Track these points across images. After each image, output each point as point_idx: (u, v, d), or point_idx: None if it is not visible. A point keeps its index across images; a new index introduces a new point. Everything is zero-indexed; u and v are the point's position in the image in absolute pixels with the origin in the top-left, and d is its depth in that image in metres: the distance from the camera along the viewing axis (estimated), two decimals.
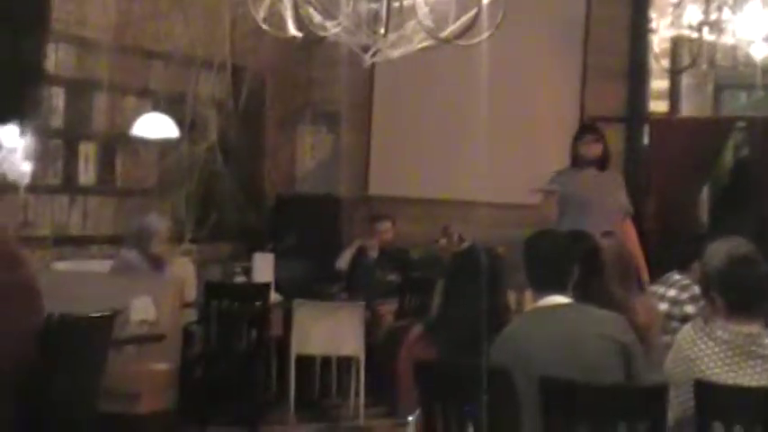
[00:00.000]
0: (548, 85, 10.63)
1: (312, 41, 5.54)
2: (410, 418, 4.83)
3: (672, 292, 6.34)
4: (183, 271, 8.64)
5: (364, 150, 11.34)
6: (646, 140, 10.46)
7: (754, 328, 4.13)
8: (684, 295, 6.28)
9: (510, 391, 4.12)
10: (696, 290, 5.93)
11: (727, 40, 8.80)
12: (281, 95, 11.20)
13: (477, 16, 4.69)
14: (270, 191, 11.15)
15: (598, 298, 4.61)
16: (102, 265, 8.31)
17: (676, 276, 6.44)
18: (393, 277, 9.70)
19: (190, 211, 9.74)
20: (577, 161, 8.52)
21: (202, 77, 9.89)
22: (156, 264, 8.08)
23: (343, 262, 9.92)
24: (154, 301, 7.63)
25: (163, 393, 7.70)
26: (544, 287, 4.48)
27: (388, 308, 9.20)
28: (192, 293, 8.52)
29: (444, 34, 4.91)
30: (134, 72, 9.19)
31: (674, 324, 5.92)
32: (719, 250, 4.92)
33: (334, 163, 11.45)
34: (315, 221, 10.62)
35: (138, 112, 9.05)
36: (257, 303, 8.29)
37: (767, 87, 11.71)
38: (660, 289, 6.43)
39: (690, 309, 6.13)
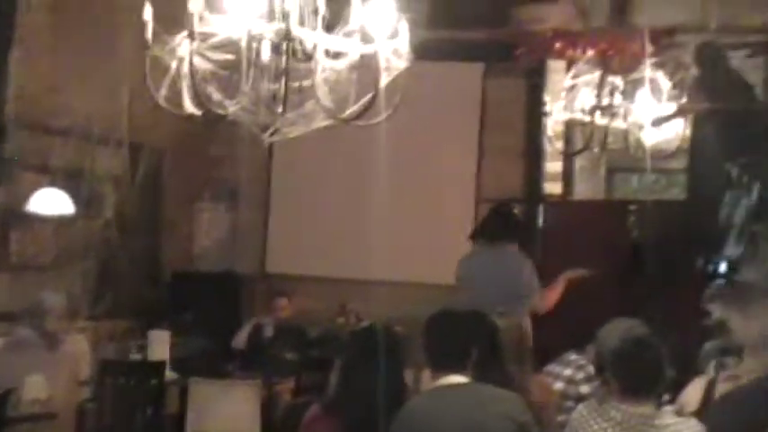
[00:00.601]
0: (445, 165, 10.76)
1: (212, 120, 5.55)
2: None
3: (568, 372, 6.40)
4: (78, 348, 8.49)
5: (262, 228, 11.35)
6: (541, 222, 10.59)
7: (647, 409, 4.20)
8: (580, 375, 6.34)
9: None
10: (591, 370, 6.00)
11: (618, 124, 9.01)
12: (180, 172, 11.18)
13: (375, 98, 4.75)
14: (167, 267, 11.08)
15: (496, 377, 4.65)
16: None
17: (572, 356, 6.51)
18: (290, 355, 9.67)
19: (85, 288, 9.64)
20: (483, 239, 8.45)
21: (99, 153, 9.83)
22: (51, 341, 7.96)
23: (239, 340, 9.88)
24: (47, 379, 7.50)
25: None
26: (444, 366, 4.51)
27: (285, 386, 9.15)
28: (86, 371, 8.39)
29: (344, 115, 4.96)
30: (32, 147, 9.12)
31: (569, 403, 5.97)
32: (613, 332, 5.02)
33: (231, 240, 11.43)
34: (212, 299, 10.56)
35: (34, 188, 8.96)
36: (152, 381, 8.21)
37: (658, 171, 11.99)
38: (556, 368, 6.50)
39: (585, 389, 6.20)
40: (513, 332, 5.48)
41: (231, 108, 5.05)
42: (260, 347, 9.77)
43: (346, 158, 10.81)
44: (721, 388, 5.55)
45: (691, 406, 4.75)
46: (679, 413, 4.63)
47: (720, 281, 1.59)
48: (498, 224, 8.22)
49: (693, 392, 5.07)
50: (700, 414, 4.49)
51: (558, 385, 6.30)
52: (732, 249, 1.65)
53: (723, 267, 1.66)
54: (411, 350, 6.44)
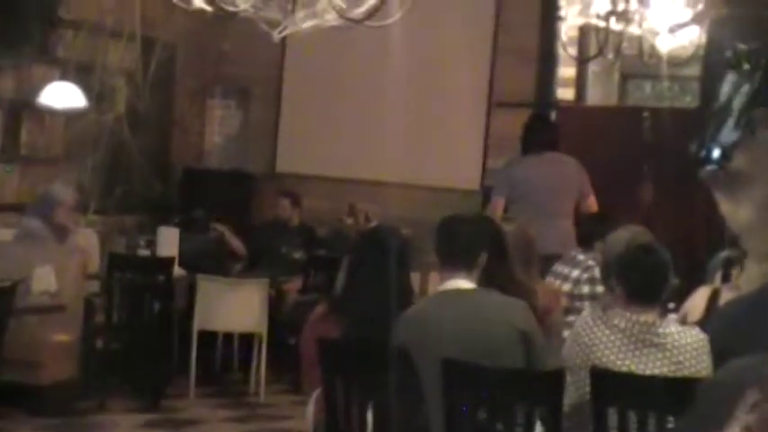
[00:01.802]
0: (458, 67, 10.68)
1: (223, 16, 5.52)
2: (311, 398, 4.87)
3: (575, 273, 6.42)
4: (87, 242, 8.56)
5: (273, 127, 11.32)
6: None
7: (650, 316, 4.22)
8: (585, 276, 6.36)
9: (411, 371, 4.17)
10: (596, 272, 6.02)
11: (633, 30, 8.93)
12: (191, 68, 11.14)
13: None
14: (177, 164, 11.09)
15: (501, 282, 4.67)
16: (4, 234, 8.21)
17: (580, 257, 6.51)
18: (298, 254, 9.72)
19: (96, 182, 9.66)
20: (530, 148, 8.52)
21: (111, 47, 9.79)
22: (60, 234, 8.00)
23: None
24: (56, 271, 7.57)
25: (64, 364, 7.66)
26: (451, 268, 4.53)
27: (292, 285, 9.22)
28: (95, 265, 8.46)
29: (354, 14, 4.93)
30: (43, 40, 9.08)
31: (577, 304, 6.02)
32: (620, 239, 5.03)
33: (242, 138, 11.41)
34: (221, 196, 10.57)
35: (45, 81, 8.95)
36: (161, 277, 8.27)
37: (671, 78, 11.92)
38: (565, 269, 6.51)
39: (586, 289, 6.22)
40: (519, 237, 5.49)
41: (242, 5, 5.02)
42: (268, 246, 9.81)
43: (359, 59, 10.75)
44: (725, 297, 5.58)
45: (694, 315, 4.77)
46: (682, 321, 4.66)
47: (712, 166, 1.59)
48: (543, 133, 8.41)
49: (697, 301, 5.09)
50: (703, 323, 4.50)
51: (567, 286, 6.32)
52: (728, 135, 1.63)
53: (716, 153, 1.65)
54: (419, 253, 6.49)
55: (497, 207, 8.09)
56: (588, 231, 6.67)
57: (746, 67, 1.57)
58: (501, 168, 9.16)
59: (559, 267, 6.54)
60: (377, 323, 4.64)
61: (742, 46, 1.56)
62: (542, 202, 7.94)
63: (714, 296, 5.58)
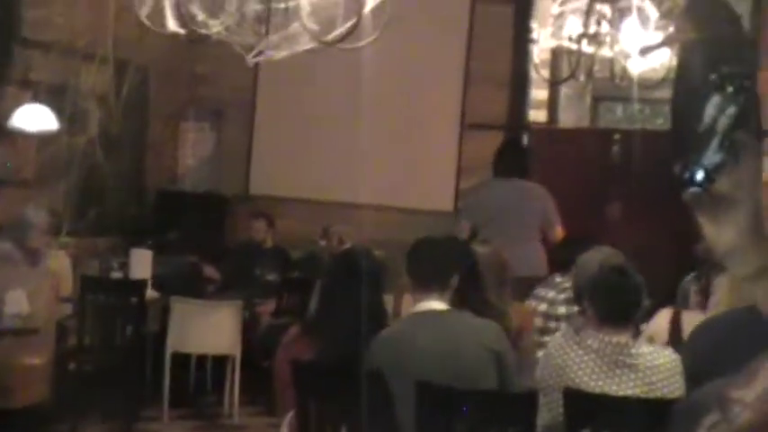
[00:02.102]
0: (431, 90, 10.73)
1: (196, 39, 5.53)
2: (285, 419, 4.86)
3: (551, 294, 6.45)
4: (60, 264, 8.51)
5: (247, 149, 11.32)
6: None
7: (623, 337, 4.25)
8: (561, 297, 6.39)
9: (385, 393, 4.18)
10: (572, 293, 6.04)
11: (605, 53, 8.99)
12: (165, 90, 11.13)
13: (359, 22, 4.74)
14: (151, 186, 11.07)
15: (474, 304, 4.69)
16: None
17: (557, 279, 6.55)
18: (272, 276, 9.71)
19: (68, 204, 9.63)
20: (499, 172, 8.55)
21: (84, 69, 9.77)
22: (32, 257, 7.96)
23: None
24: (28, 294, 7.53)
25: (36, 387, 7.60)
26: (424, 290, 4.55)
27: (266, 307, 9.21)
28: (67, 287, 8.41)
29: (328, 38, 4.95)
30: (15, 62, 9.06)
31: (552, 324, 6.05)
32: (591, 260, 5.06)
33: (216, 160, 11.41)
34: (195, 219, 10.56)
35: (17, 103, 8.92)
36: (133, 299, 8.24)
37: (643, 101, 12.00)
38: (542, 291, 6.55)
39: (562, 310, 6.25)
40: (493, 259, 5.52)
41: (215, 28, 5.03)
42: (241, 268, 9.79)
43: (333, 81, 10.76)
44: (687, 320, 5.63)
45: (660, 338, 4.80)
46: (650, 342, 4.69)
47: (696, 189, 1.60)
48: (514, 159, 8.44)
49: (661, 324, 5.12)
50: (669, 345, 4.54)
51: (542, 307, 6.34)
52: (711, 157, 1.65)
53: (700, 175, 1.66)
54: (392, 275, 6.50)
55: (464, 230, 8.10)
56: (567, 255, 6.70)
57: (730, 89, 1.59)
58: (469, 192, 9.22)
59: (539, 290, 6.58)
60: (350, 345, 4.65)
61: (725, 68, 1.58)
62: (508, 226, 7.95)
63: (676, 318, 5.64)
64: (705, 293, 5.68)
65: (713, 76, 1.58)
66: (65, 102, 9.44)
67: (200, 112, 11.36)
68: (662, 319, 5.39)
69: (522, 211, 8.14)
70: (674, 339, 5.07)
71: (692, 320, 5.64)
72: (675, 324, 5.60)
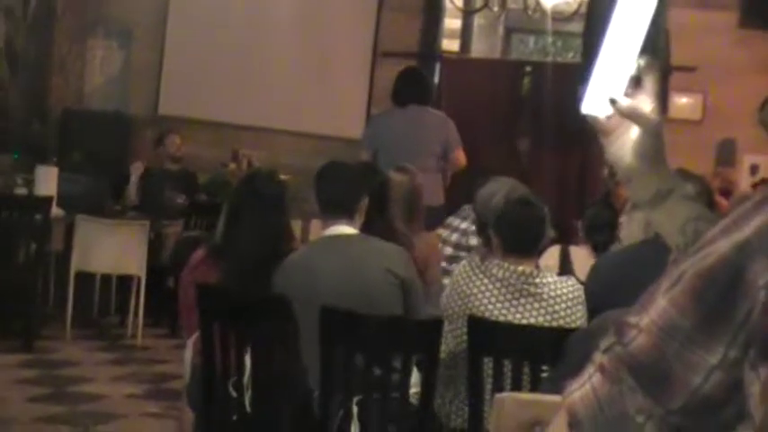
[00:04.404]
0: (344, 17, 10.67)
1: None
2: (189, 342, 4.86)
3: (464, 224, 6.48)
4: None
5: (156, 69, 11.17)
6: (436, 78, 10.60)
7: (528, 267, 4.30)
8: (473, 227, 6.42)
9: (290, 317, 4.19)
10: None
11: None
12: (73, 7, 10.91)
13: None
14: (57, 104, 10.88)
15: (382, 231, 4.71)
16: None
17: (470, 210, 6.56)
18: (180, 199, 9.63)
19: None
20: (398, 101, 8.46)
21: None
22: None
23: (132, 190, 9.71)
24: None
25: None
26: (332, 214, 4.55)
27: (173, 228, 9.14)
28: None
29: None
30: None
31: (463, 254, 6.08)
32: (492, 191, 5.11)
33: (124, 79, 11.25)
34: (102, 138, 10.43)
35: None
36: (38, 216, 8.13)
37: (555, 34, 12.05)
38: (455, 221, 6.57)
39: (474, 240, 6.28)
40: (405, 186, 5.53)
41: None
42: (149, 190, 9.70)
43: (245, 3, 10.68)
44: (575, 252, 5.74)
45: (551, 271, 4.86)
46: None
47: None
48: (413, 87, 8.35)
49: (549, 261, 5.20)
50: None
51: (454, 237, 6.37)
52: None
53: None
54: (302, 201, 6.49)
55: (364, 159, 8.06)
56: (474, 186, 6.72)
57: None
58: (369, 122, 9.21)
59: (450, 219, 6.61)
60: (254, 268, 4.65)
61: None
62: (404, 154, 7.87)
63: (565, 254, 5.74)
64: (608, 228, 5.76)
65: None
66: None
67: (108, 30, 11.17)
68: (549, 257, 5.48)
69: (420, 138, 8.07)
70: (564, 273, 5.15)
71: (578, 254, 5.76)
72: (564, 258, 5.70)
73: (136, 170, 9.68)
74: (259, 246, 4.74)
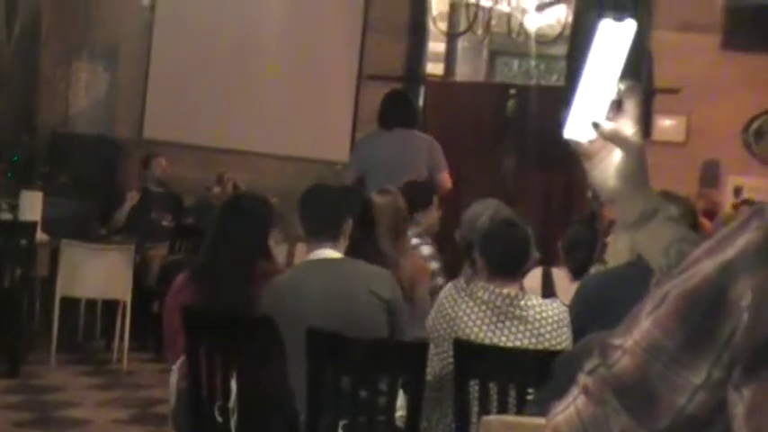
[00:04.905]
0: (329, 40, 10.71)
1: None
2: (174, 366, 4.84)
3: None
4: None
5: (141, 92, 11.18)
6: (421, 101, 10.62)
7: (512, 289, 4.30)
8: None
9: (276, 339, 4.18)
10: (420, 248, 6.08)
11: (502, 8, 9.06)
12: (58, 29, 10.91)
13: None
14: (42, 127, 10.87)
15: (368, 253, 4.71)
16: None
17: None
18: (165, 222, 9.62)
19: None
20: (384, 123, 8.44)
21: None
22: None
23: (122, 216, 9.68)
24: None
25: None
26: (317, 237, 4.55)
27: (158, 252, 9.14)
28: None
29: None
30: None
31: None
32: (478, 213, 5.12)
33: (109, 102, 11.25)
34: (88, 161, 10.41)
35: None
36: (23, 241, 8.11)
37: (539, 57, 12.11)
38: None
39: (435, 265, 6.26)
40: (389, 208, 5.53)
41: None
42: (135, 213, 9.68)
43: (231, 28, 10.69)
44: (556, 273, 5.74)
45: (534, 293, 4.86)
46: None
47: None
48: (398, 110, 8.33)
49: (532, 284, 5.21)
50: None
51: (435, 265, 6.36)
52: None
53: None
54: (287, 224, 6.49)
55: (350, 182, 8.06)
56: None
57: None
58: (355, 144, 9.22)
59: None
60: (236, 290, 4.65)
61: (615, 17, 1.61)
62: (390, 178, 7.84)
63: (547, 276, 5.74)
64: (587, 249, 5.77)
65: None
66: None
67: (94, 52, 11.18)
68: (532, 279, 5.49)
69: (406, 161, 8.05)
70: (547, 295, 5.16)
71: (560, 276, 5.77)
72: (546, 279, 5.71)
73: (131, 199, 9.66)
74: (241, 266, 4.74)
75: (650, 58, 9.36)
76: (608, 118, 1.63)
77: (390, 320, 4.39)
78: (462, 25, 9.91)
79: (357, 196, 5.21)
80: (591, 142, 1.65)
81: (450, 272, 5.75)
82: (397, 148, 8.07)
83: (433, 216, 6.55)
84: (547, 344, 4.20)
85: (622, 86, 1.63)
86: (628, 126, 1.64)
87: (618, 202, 1.70)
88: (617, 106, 1.64)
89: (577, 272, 5.61)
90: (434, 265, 6.07)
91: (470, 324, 4.25)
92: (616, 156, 1.66)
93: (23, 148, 10.39)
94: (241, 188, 9.45)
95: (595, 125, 1.63)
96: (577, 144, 1.66)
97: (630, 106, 1.65)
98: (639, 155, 1.68)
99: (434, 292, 5.61)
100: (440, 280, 5.93)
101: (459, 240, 5.17)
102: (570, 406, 1.40)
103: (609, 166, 1.67)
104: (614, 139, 1.64)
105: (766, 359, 1.27)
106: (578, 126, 1.63)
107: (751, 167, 9.78)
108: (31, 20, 10.28)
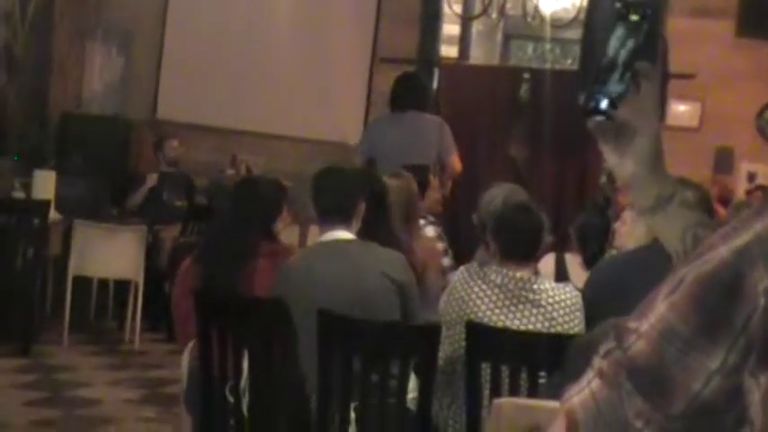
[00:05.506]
0: (343, 23, 10.69)
1: None
2: (187, 347, 4.85)
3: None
4: None
5: (155, 74, 11.18)
6: (435, 84, 10.60)
7: (525, 273, 4.30)
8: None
9: (288, 322, 4.18)
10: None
11: None
12: (72, 11, 10.91)
13: None
14: (55, 108, 10.88)
15: (381, 235, 4.70)
16: None
17: None
18: (178, 203, 9.63)
19: None
20: (395, 106, 8.39)
21: None
22: None
23: (138, 197, 9.68)
24: None
25: None
26: (329, 219, 4.55)
27: (170, 232, 9.14)
28: None
29: None
30: None
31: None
32: (494, 197, 5.11)
33: (123, 84, 11.25)
34: (101, 142, 10.42)
35: None
36: (35, 220, 8.12)
37: (553, 40, 12.08)
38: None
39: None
40: (402, 191, 5.53)
41: None
42: (147, 194, 9.69)
43: (244, 9, 10.69)
44: (569, 258, 5.73)
45: (547, 277, 4.86)
46: None
47: (600, 117, 1.61)
48: (409, 92, 8.27)
49: (544, 270, 5.20)
50: None
51: (440, 245, 6.36)
52: (614, 87, 1.67)
53: (604, 103, 1.68)
54: (300, 206, 6.49)
55: (359, 165, 8.03)
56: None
57: (635, 18, 1.61)
58: (366, 128, 9.19)
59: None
60: (230, 270, 4.66)
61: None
62: (402, 160, 7.80)
63: (560, 262, 5.73)
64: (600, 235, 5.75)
65: (618, 5, 1.60)
66: None
67: (107, 35, 11.17)
68: (547, 262, 5.48)
69: (417, 144, 8.01)
70: (560, 280, 5.15)
71: (573, 262, 5.76)
72: (560, 265, 5.70)
73: (150, 180, 9.65)
74: (240, 247, 4.76)
75: (665, 43, 9.33)
76: (626, 100, 1.62)
77: (402, 303, 4.39)
78: (477, 8, 9.91)
79: (370, 178, 5.20)
80: (609, 124, 1.65)
81: (463, 255, 5.74)
82: (406, 131, 8.03)
83: (432, 196, 6.54)
84: (559, 328, 4.20)
85: (641, 68, 1.62)
86: (645, 109, 1.64)
87: (634, 187, 1.70)
88: (635, 88, 1.63)
89: (591, 262, 5.59)
90: (440, 245, 6.07)
91: (483, 307, 4.25)
92: (634, 138, 1.65)
93: (37, 128, 10.39)
94: (254, 170, 9.45)
95: (613, 107, 1.62)
96: (596, 126, 1.65)
97: (648, 89, 1.64)
98: (657, 139, 1.67)
99: (442, 272, 5.63)
100: (446, 260, 5.94)
101: (477, 223, 5.16)
102: (585, 389, 1.40)
103: (626, 149, 1.66)
104: (632, 121, 1.64)
105: None
106: (596, 108, 1.62)
107: (764, 154, 9.75)
108: (44, 1, 10.27)
